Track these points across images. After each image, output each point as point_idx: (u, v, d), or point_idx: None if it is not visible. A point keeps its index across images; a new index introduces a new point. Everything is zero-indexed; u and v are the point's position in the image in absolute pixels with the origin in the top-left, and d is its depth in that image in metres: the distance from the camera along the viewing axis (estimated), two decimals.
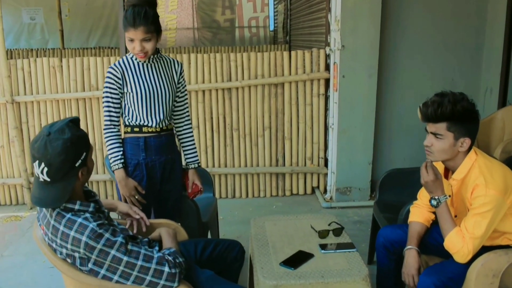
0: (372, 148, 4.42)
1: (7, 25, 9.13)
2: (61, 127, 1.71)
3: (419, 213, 2.37)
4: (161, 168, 2.56)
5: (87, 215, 1.74)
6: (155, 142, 2.51)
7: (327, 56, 4.46)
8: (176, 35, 9.36)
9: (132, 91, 2.43)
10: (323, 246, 2.41)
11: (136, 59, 2.44)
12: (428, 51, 4.45)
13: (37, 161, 1.69)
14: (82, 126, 4.47)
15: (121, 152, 2.45)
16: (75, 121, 1.77)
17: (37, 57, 4.67)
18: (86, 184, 1.92)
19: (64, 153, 1.67)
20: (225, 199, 4.73)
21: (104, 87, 2.44)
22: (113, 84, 2.41)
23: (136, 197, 2.47)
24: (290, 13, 7.42)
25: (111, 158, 2.45)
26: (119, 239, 1.72)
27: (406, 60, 4.45)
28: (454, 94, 2.05)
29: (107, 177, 4.63)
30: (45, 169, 1.68)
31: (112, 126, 2.45)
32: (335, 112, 4.37)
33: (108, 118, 2.45)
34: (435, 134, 2.08)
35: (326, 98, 4.56)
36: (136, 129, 2.48)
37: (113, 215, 2.31)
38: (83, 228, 1.69)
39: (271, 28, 9.53)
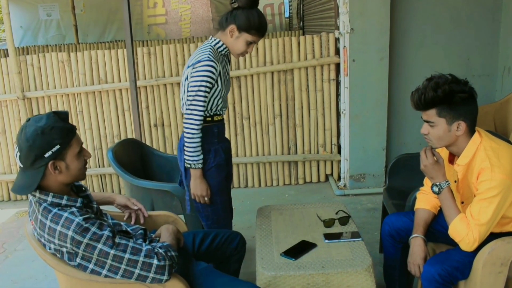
0: (385, 133, 4.30)
1: (25, 22, 9.25)
2: (42, 116, 1.70)
3: (425, 199, 2.28)
4: (226, 153, 2.58)
5: (74, 209, 1.71)
6: (221, 128, 2.53)
7: (337, 40, 4.35)
8: (190, 26, 9.30)
9: (219, 85, 2.36)
10: (327, 236, 2.34)
11: (223, 52, 2.42)
12: (442, 30, 4.28)
13: (16, 146, 1.71)
14: (92, 119, 4.54)
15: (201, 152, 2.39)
16: (59, 114, 1.73)
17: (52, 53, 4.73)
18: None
19: (32, 139, 1.65)
20: (237, 188, 4.68)
21: (201, 81, 2.28)
22: (213, 79, 2.31)
23: (206, 198, 2.44)
24: None
25: (195, 155, 2.35)
26: (106, 232, 1.68)
27: (418, 41, 4.29)
28: (440, 77, 1.95)
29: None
30: (18, 154, 1.69)
31: (201, 125, 2.35)
32: (347, 98, 4.26)
33: (201, 115, 2.32)
34: (428, 122, 1.99)
35: (337, 83, 4.45)
36: (209, 119, 2.42)
37: (112, 208, 2.30)
38: (69, 223, 1.66)
39: (286, 14, 9.37)
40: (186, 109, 2.34)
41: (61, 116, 1.73)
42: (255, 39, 2.38)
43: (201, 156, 2.36)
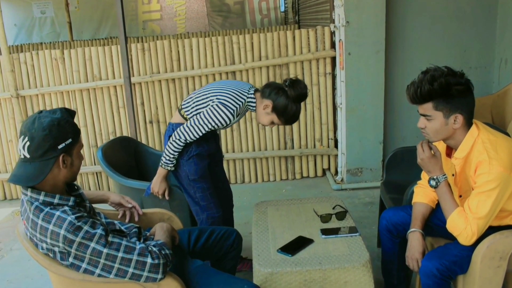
0: (382, 127, 4.28)
1: (19, 20, 9.19)
2: (55, 109, 1.72)
3: (423, 193, 2.25)
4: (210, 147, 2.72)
5: (66, 208, 1.68)
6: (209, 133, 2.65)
7: (332, 34, 4.31)
8: (185, 21, 9.24)
9: (227, 126, 2.55)
10: (324, 231, 2.32)
11: (250, 108, 2.56)
12: (438, 22, 4.25)
13: (22, 136, 1.67)
14: (87, 116, 4.51)
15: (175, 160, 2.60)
16: (69, 110, 1.76)
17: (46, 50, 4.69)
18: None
19: (48, 129, 1.64)
20: (234, 184, 4.65)
21: (210, 121, 2.46)
22: (222, 126, 2.50)
23: (166, 195, 2.67)
24: None
25: (170, 159, 2.56)
26: (99, 231, 1.66)
27: (415, 33, 4.26)
28: (436, 70, 1.90)
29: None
30: (27, 144, 1.65)
31: (187, 144, 2.55)
32: (343, 91, 4.23)
33: (192, 140, 2.52)
34: (424, 116, 1.96)
35: (333, 77, 4.42)
36: None
37: (106, 206, 2.27)
38: (61, 221, 1.63)
39: (282, 9, 9.31)
40: (186, 125, 2.50)
41: (71, 113, 1.77)
42: (280, 124, 2.53)
43: (174, 162, 2.58)
